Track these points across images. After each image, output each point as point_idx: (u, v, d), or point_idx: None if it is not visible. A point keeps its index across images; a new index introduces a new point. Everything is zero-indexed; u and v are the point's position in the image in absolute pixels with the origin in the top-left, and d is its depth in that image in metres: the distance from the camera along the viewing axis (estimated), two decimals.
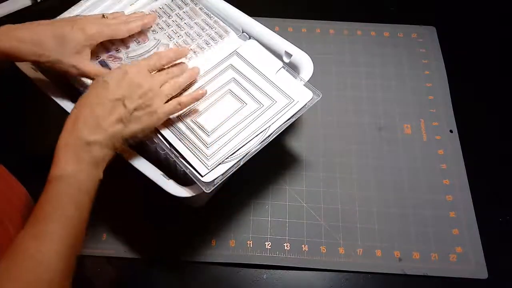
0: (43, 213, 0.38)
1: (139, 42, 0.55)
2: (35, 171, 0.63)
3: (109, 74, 0.45)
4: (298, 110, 0.51)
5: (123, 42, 0.54)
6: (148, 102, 0.44)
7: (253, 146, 0.49)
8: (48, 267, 0.36)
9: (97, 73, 0.49)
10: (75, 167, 0.40)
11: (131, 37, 0.54)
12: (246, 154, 0.49)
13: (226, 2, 0.61)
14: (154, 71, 0.48)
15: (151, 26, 0.56)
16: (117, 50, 0.54)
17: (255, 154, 0.64)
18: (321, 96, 0.51)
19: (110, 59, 0.53)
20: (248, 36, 0.58)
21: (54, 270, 0.36)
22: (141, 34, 0.55)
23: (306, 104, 0.51)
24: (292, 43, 0.58)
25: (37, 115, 0.69)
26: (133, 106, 0.43)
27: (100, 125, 0.41)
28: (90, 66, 0.49)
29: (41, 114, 0.68)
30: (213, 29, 0.57)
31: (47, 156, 0.66)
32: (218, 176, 0.47)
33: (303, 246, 0.59)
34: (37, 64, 0.49)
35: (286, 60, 0.58)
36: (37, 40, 0.45)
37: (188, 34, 0.56)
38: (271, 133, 0.49)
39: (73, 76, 0.52)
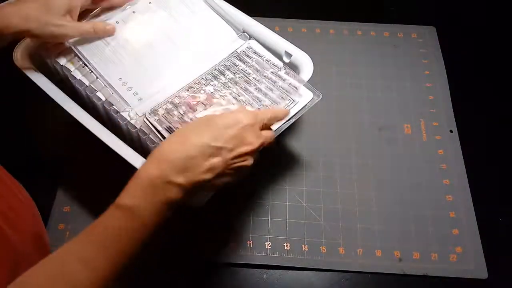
0: (96, 238, 0.36)
1: (205, 105, 0.50)
2: (35, 171, 0.63)
3: (222, 116, 0.41)
4: (298, 111, 0.51)
5: (190, 107, 0.50)
6: (246, 161, 0.41)
7: None
8: None
9: (86, 30, 0.51)
10: (149, 203, 0.37)
11: (194, 98, 0.51)
12: None
13: (226, 2, 0.61)
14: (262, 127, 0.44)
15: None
16: (183, 114, 0.50)
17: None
18: (321, 97, 0.51)
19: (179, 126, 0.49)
20: (248, 36, 0.58)
21: None
22: (208, 98, 0.51)
23: (306, 105, 0.51)
24: (292, 43, 0.59)
25: (37, 115, 0.69)
26: (232, 162, 0.40)
27: (189, 169, 0.38)
28: (78, 23, 0.51)
29: (41, 114, 0.68)
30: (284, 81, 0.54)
31: (46, 155, 0.66)
32: None
33: (303, 246, 0.59)
34: (28, 35, 0.50)
35: (286, 60, 0.58)
36: (24, 13, 0.47)
37: (259, 90, 0.52)
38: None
39: (63, 40, 0.52)
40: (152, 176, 0.37)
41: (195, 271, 0.57)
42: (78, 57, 0.54)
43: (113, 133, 0.52)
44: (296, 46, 0.58)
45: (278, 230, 0.60)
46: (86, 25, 0.52)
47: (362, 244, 0.59)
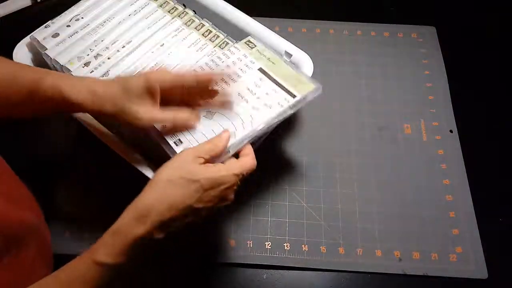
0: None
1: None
2: (35, 171, 0.63)
3: (206, 177, 0.40)
4: (298, 102, 0.49)
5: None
6: (222, 204, 0.43)
7: (252, 139, 0.48)
8: None
9: (163, 119, 0.45)
10: (133, 261, 0.38)
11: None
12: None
13: (226, 2, 0.61)
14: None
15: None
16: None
17: (255, 155, 0.64)
18: (321, 89, 0.50)
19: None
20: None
21: None
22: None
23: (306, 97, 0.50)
24: (292, 43, 0.59)
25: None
26: (208, 213, 0.42)
27: (169, 227, 0.39)
28: (153, 112, 0.44)
29: None
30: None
31: (46, 155, 0.66)
32: None
33: (303, 246, 0.59)
34: (99, 116, 0.48)
35: (286, 60, 0.58)
36: (107, 92, 0.43)
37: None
38: (270, 125, 0.48)
39: (137, 127, 0.45)
40: (138, 236, 0.37)
41: (195, 271, 0.57)
42: None
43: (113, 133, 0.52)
44: (296, 46, 0.58)
45: (278, 230, 0.60)
46: (166, 114, 0.45)
47: (362, 244, 0.59)
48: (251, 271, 0.57)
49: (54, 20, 0.58)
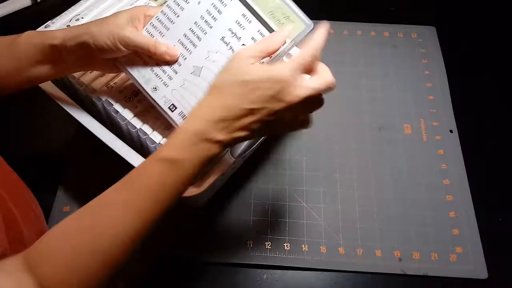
0: (145, 187, 0.37)
1: None
2: (35, 171, 0.63)
3: (258, 74, 0.38)
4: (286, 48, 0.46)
5: None
6: (284, 117, 0.39)
7: None
8: (128, 236, 0.37)
9: (147, 43, 0.44)
10: (193, 157, 0.38)
11: None
12: None
13: None
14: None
15: None
16: None
17: (255, 154, 0.64)
18: (312, 26, 0.48)
19: None
20: None
21: (133, 242, 0.37)
22: None
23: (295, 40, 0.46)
24: None
25: (36, 115, 0.69)
26: (267, 120, 0.39)
27: (227, 128, 0.38)
28: (139, 34, 0.44)
29: (41, 114, 0.68)
30: None
31: (46, 155, 0.66)
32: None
33: (303, 246, 0.59)
34: (87, 46, 0.44)
35: (286, 60, 0.58)
36: (85, 25, 0.44)
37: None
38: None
39: (121, 47, 0.44)
40: (197, 132, 0.38)
41: (195, 271, 0.57)
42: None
43: (112, 132, 0.52)
44: (296, 46, 0.58)
45: (278, 230, 0.60)
46: (150, 39, 0.45)
47: (362, 244, 0.59)
48: (251, 271, 0.57)
49: (54, 20, 0.58)
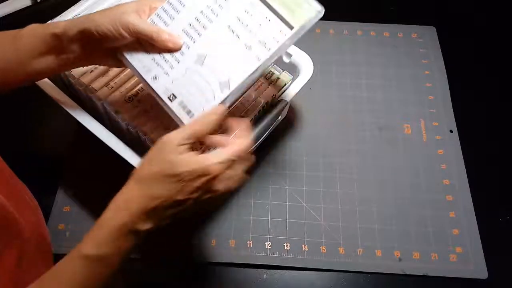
0: (63, 285, 0.37)
1: None
2: (35, 171, 0.63)
3: (187, 170, 0.37)
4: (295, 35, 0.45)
5: None
6: (209, 196, 0.40)
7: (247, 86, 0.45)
8: None
9: (150, 29, 0.42)
10: (117, 250, 0.38)
11: None
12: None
13: None
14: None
15: None
16: None
17: (255, 154, 0.64)
18: (323, 12, 0.46)
19: None
20: None
21: None
22: None
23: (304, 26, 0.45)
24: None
25: (37, 115, 0.69)
26: (196, 205, 0.40)
27: (154, 217, 0.38)
28: (144, 21, 0.43)
29: (41, 114, 0.68)
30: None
31: (47, 155, 0.66)
32: None
33: (303, 246, 0.59)
34: (90, 33, 0.43)
35: (286, 60, 0.58)
36: (88, 15, 0.44)
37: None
38: (265, 68, 0.45)
39: (123, 34, 0.42)
40: (122, 226, 0.37)
41: (195, 271, 0.57)
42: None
43: (112, 133, 0.52)
44: (296, 46, 0.58)
45: (278, 230, 0.60)
46: (153, 27, 0.43)
47: (362, 244, 0.59)
48: (251, 271, 0.57)
49: (54, 20, 0.58)
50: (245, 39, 0.43)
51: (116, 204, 0.38)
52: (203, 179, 0.38)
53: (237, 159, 0.40)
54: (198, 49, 0.44)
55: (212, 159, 0.38)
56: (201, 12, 0.44)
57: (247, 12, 0.43)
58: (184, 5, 0.44)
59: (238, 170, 0.40)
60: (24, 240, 0.41)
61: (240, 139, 0.41)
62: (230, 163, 0.39)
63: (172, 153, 0.38)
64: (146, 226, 0.38)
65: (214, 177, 0.38)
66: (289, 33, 0.43)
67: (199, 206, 0.40)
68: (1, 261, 0.37)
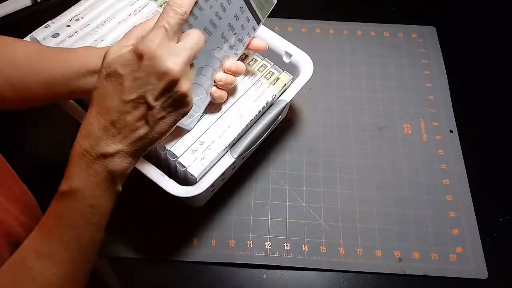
0: (50, 230, 0.35)
1: None
2: (35, 170, 0.63)
3: (120, 59, 0.33)
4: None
5: None
6: (179, 94, 0.34)
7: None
8: None
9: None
10: (88, 182, 0.34)
11: None
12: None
13: None
14: (176, 35, 0.35)
15: None
16: None
17: (255, 154, 0.64)
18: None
19: None
20: None
21: None
22: None
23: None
24: (292, 43, 0.59)
25: (37, 115, 0.69)
26: (159, 103, 0.34)
27: (118, 133, 0.34)
28: None
29: (41, 114, 0.68)
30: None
31: (46, 155, 0.66)
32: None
33: (303, 246, 0.59)
34: None
35: (286, 60, 0.58)
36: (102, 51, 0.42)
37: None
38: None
39: None
40: (83, 153, 0.34)
41: (195, 271, 0.57)
42: None
43: None
44: (296, 46, 0.58)
45: (278, 230, 0.60)
46: None
47: (362, 244, 0.59)
48: (251, 271, 0.57)
49: (54, 20, 0.58)
50: (231, 39, 0.46)
51: (78, 134, 0.35)
52: (143, 62, 0.32)
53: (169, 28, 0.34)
54: (198, 62, 0.44)
55: (150, 41, 0.33)
56: (205, 28, 0.43)
57: (237, 18, 0.46)
58: (196, 18, 0.41)
59: (187, 43, 0.35)
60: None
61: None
62: (161, 33, 0.33)
63: (113, 53, 0.34)
64: (113, 146, 0.34)
65: (149, 55, 0.32)
66: (256, 27, 0.49)
67: (167, 110, 0.35)
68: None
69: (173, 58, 0.33)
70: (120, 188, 0.37)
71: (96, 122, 0.34)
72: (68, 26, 0.58)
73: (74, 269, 0.35)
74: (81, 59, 0.43)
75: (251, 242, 0.59)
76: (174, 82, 0.34)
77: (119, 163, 0.35)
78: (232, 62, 0.48)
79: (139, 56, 0.33)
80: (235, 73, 0.48)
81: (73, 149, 0.35)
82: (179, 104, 0.35)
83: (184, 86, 0.35)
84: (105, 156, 0.34)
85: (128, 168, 0.36)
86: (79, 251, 0.35)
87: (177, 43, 0.35)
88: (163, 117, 0.35)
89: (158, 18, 0.34)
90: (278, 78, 0.55)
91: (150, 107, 0.34)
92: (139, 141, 0.35)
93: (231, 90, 0.53)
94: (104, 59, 0.35)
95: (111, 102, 0.34)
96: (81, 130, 0.35)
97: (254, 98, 0.54)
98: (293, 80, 0.57)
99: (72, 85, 0.43)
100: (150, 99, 0.33)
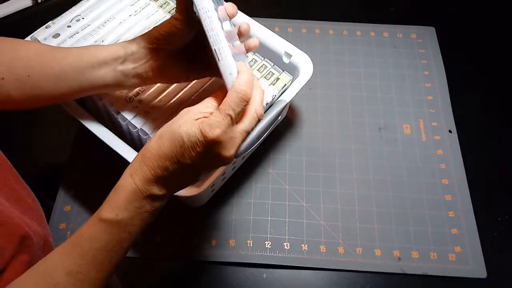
0: (83, 250, 0.37)
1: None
2: (36, 170, 0.64)
3: (188, 132, 0.37)
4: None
5: None
6: (224, 162, 0.39)
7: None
8: None
9: None
10: (134, 214, 0.38)
11: None
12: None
13: (225, 2, 0.61)
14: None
15: None
16: None
17: (255, 154, 0.64)
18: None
19: None
20: None
21: None
22: None
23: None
24: (292, 44, 0.59)
25: (37, 115, 0.69)
26: (206, 175, 0.41)
27: (169, 184, 0.38)
28: None
29: (42, 114, 0.69)
30: None
31: (47, 155, 0.66)
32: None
33: (303, 245, 0.59)
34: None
35: (286, 60, 0.59)
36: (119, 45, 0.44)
37: None
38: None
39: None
40: (135, 189, 0.37)
41: (195, 270, 0.57)
42: None
43: (113, 133, 0.52)
44: (296, 46, 0.59)
45: (278, 229, 0.60)
46: None
47: (361, 243, 0.59)
48: (251, 270, 0.58)
49: (55, 20, 0.59)
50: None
51: (130, 170, 0.38)
52: (204, 145, 0.36)
53: (235, 114, 0.37)
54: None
55: (218, 127, 0.36)
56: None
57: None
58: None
59: (242, 127, 0.38)
60: (34, 245, 0.42)
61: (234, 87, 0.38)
62: (236, 113, 0.37)
63: (190, 118, 0.38)
64: (162, 190, 0.38)
65: (212, 140, 0.36)
66: None
67: (210, 169, 0.40)
68: (14, 267, 0.37)
69: (231, 148, 0.38)
70: (153, 219, 0.40)
71: (152, 172, 0.38)
72: (69, 26, 0.58)
73: (98, 286, 0.38)
74: (93, 51, 0.44)
75: (251, 241, 0.59)
76: (226, 162, 0.39)
77: (163, 202, 0.40)
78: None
79: (205, 138, 0.36)
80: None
81: (123, 181, 0.38)
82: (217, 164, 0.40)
83: (231, 158, 0.39)
84: (154, 197, 0.38)
85: (161, 207, 0.40)
86: (107, 272, 0.38)
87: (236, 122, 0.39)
88: (201, 177, 0.41)
89: (223, 102, 0.37)
90: (278, 79, 0.56)
91: (197, 178, 0.40)
92: (178, 190, 0.40)
93: None
94: (172, 124, 0.38)
95: (166, 154, 0.37)
96: (131, 168, 0.39)
97: None
98: (293, 80, 0.57)
99: (82, 79, 0.44)
100: (201, 173, 0.40)
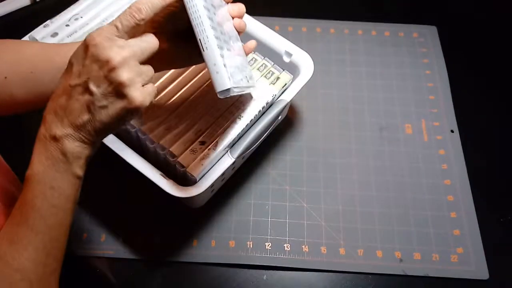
0: (19, 215, 0.36)
1: None
2: None
3: (75, 51, 0.36)
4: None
5: None
6: (118, 83, 0.35)
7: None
8: (24, 274, 0.35)
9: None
10: (46, 165, 0.36)
11: None
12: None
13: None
14: (128, 35, 0.36)
15: None
16: None
17: (255, 154, 0.64)
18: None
19: None
20: None
21: (30, 278, 0.35)
22: None
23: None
24: (292, 43, 0.58)
25: (36, 114, 0.68)
26: (100, 90, 0.35)
27: (65, 117, 0.35)
28: None
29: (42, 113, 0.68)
30: None
31: None
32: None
33: (303, 246, 0.58)
34: None
35: (286, 59, 0.58)
36: None
37: None
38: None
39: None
40: (39, 137, 0.36)
41: (195, 271, 0.57)
42: None
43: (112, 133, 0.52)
44: (297, 45, 0.58)
45: (278, 230, 0.59)
46: None
47: (362, 244, 0.59)
48: (251, 271, 0.57)
49: (53, 19, 0.58)
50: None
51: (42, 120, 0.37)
52: (89, 50, 0.34)
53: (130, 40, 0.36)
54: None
55: (97, 34, 0.35)
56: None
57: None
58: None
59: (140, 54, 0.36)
60: None
61: None
62: (110, 28, 0.35)
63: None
64: (61, 129, 0.35)
65: (89, 42, 0.34)
66: None
67: (108, 99, 0.35)
68: None
69: (116, 49, 0.35)
70: (79, 172, 0.38)
71: (49, 107, 0.36)
72: (67, 25, 0.58)
73: (44, 253, 0.36)
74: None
75: (251, 242, 0.58)
76: (113, 70, 0.34)
77: (70, 146, 0.36)
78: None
79: (86, 45, 0.35)
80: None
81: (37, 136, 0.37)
82: (119, 94, 0.35)
83: (123, 75, 0.35)
84: (56, 138, 0.36)
85: (80, 153, 0.37)
86: (47, 235, 0.36)
87: None
88: (104, 106, 0.36)
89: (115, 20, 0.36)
90: (278, 78, 0.55)
91: (91, 94, 0.35)
92: (82, 127, 0.36)
93: None
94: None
95: (60, 88, 0.36)
96: (42, 118, 0.37)
97: (254, 97, 0.54)
98: (293, 79, 0.56)
99: None
100: (92, 85, 0.35)
